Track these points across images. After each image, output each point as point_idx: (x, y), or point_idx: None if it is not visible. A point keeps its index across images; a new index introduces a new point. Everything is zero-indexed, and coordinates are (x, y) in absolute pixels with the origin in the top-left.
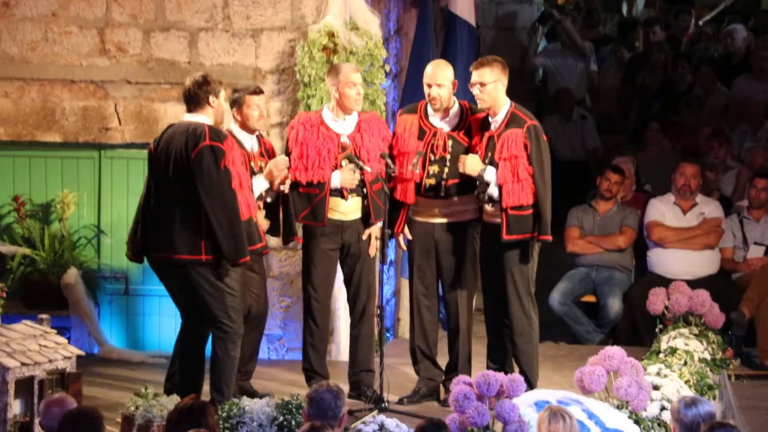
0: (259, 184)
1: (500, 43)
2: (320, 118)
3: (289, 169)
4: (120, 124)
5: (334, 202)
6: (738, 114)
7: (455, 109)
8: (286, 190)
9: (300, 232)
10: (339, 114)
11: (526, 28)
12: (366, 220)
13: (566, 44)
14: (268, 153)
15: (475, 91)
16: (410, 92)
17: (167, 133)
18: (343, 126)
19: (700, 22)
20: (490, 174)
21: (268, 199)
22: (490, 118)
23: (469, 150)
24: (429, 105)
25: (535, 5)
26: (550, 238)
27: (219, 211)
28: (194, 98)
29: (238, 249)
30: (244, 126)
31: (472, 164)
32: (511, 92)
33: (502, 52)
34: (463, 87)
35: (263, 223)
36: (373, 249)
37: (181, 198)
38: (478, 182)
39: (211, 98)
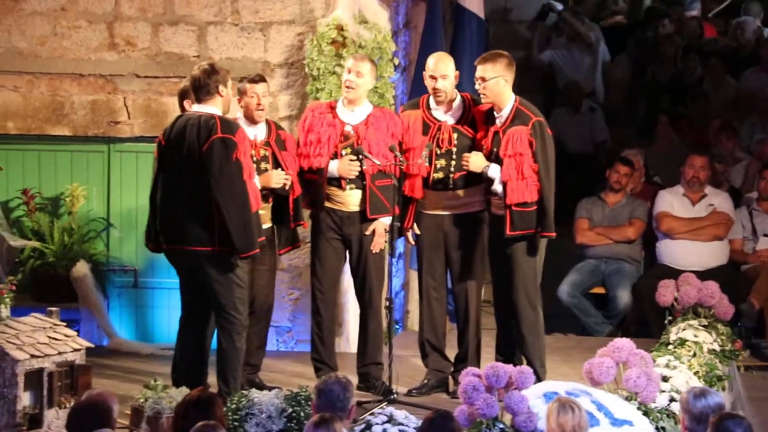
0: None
1: (507, 36)
2: (331, 105)
3: (285, 180)
4: (129, 117)
5: (333, 191)
6: (747, 107)
7: (458, 101)
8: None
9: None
10: (347, 104)
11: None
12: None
13: (571, 37)
14: (283, 144)
15: (477, 86)
16: (419, 85)
17: (178, 124)
18: (351, 116)
19: (710, 15)
20: (494, 171)
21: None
22: (495, 113)
23: (474, 142)
24: (432, 98)
25: None
26: (553, 234)
27: (230, 203)
28: (204, 88)
29: (248, 241)
30: (247, 115)
31: (475, 162)
32: (519, 85)
33: (508, 45)
34: (471, 80)
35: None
36: (376, 246)
37: (192, 189)
38: (483, 178)
39: (221, 87)
